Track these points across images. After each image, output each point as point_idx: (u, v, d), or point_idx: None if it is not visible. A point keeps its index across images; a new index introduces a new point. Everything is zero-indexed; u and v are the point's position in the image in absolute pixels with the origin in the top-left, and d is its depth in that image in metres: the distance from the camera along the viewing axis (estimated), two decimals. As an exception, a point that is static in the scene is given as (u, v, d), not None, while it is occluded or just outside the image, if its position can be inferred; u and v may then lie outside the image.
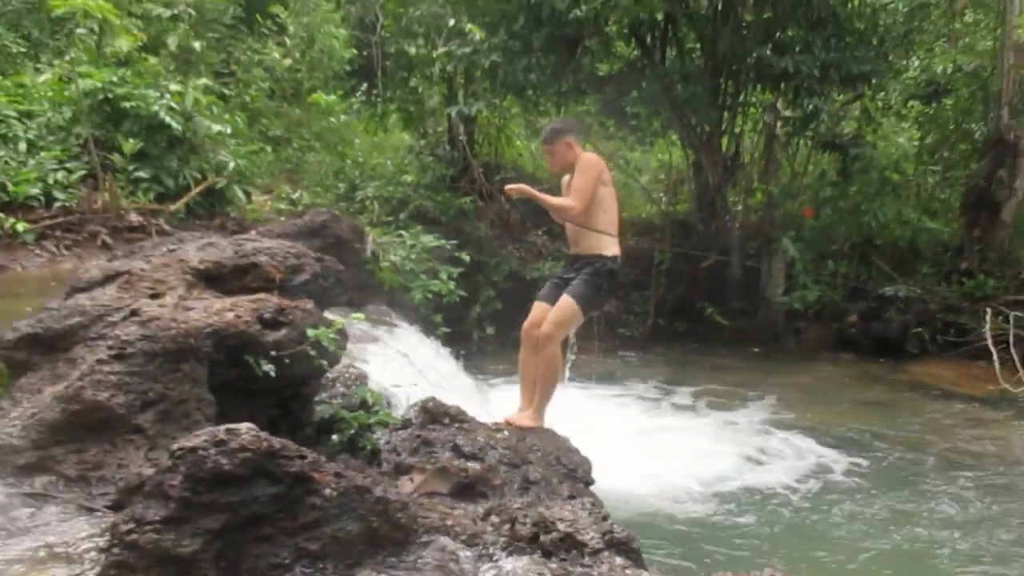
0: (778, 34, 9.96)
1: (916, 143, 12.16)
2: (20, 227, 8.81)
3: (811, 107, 10.57)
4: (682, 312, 11.04)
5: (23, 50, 13.84)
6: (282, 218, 9.60)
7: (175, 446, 2.74)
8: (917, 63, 11.50)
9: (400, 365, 5.91)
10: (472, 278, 9.22)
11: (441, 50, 11.00)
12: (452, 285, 7.65)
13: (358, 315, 4.73)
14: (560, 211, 5.51)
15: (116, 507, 3.09)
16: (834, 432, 7.37)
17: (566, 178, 5.62)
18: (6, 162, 9.58)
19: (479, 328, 9.86)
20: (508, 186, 5.38)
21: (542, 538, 3.20)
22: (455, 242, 8.75)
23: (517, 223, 11.83)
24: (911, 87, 11.46)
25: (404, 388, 5.38)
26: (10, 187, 9.27)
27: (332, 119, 14.37)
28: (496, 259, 10.47)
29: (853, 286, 10.99)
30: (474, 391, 6.95)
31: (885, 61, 10.60)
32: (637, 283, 11.41)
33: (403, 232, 8.49)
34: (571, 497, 4.04)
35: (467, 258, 8.63)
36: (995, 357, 9.32)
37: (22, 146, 10.01)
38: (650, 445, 6.59)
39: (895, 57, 11.00)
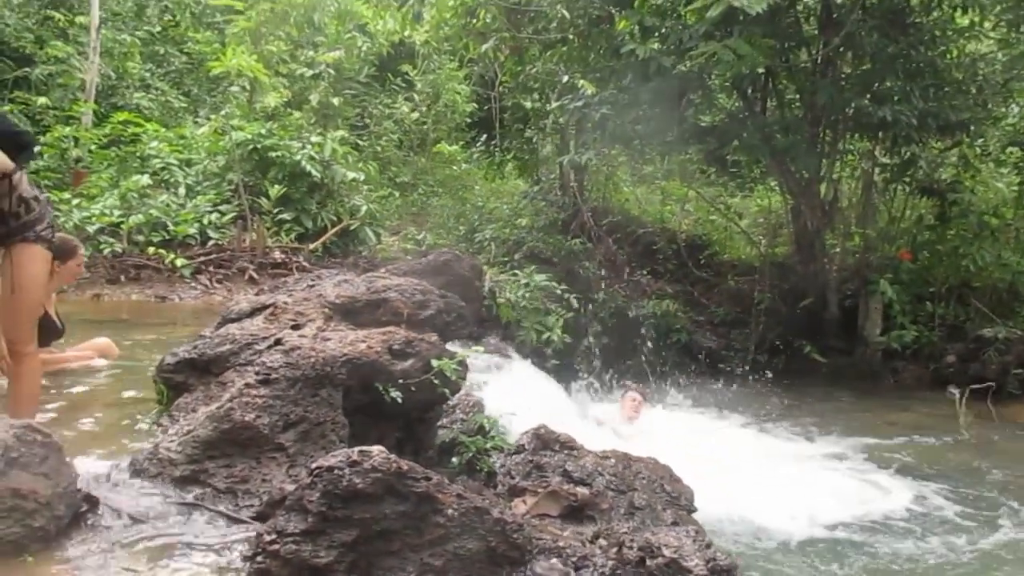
0: (876, 85, 9.68)
1: (1016, 188, 11.59)
2: (179, 262, 9.25)
3: (909, 154, 10.21)
4: (780, 350, 10.74)
5: (184, 105, 14.62)
6: (408, 257, 9.78)
7: (314, 465, 2.81)
8: (1016, 110, 10.99)
9: (514, 394, 5.91)
10: (580, 315, 9.18)
11: (555, 104, 11.09)
12: (559, 332, 7.66)
13: (477, 347, 4.78)
14: None
15: (260, 518, 3.17)
16: (933, 471, 7.02)
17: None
18: (168, 204, 10.09)
19: (587, 362, 9.79)
20: None
21: (648, 563, 3.15)
22: (564, 286, 8.74)
23: (623, 263, 11.76)
24: (1010, 133, 10.94)
25: (518, 415, 5.38)
26: (171, 227, 9.75)
27: (454, 167, 14.67)
28: (603, 296, 10.41)
29: (950, 327, 10.50)
30: (582, 420, 6.89)
31: (984, 109, 10.17)
32: (737, 321, 11.17)
33: (518, 271, 8.54)
34: (675, 524, 3.96)
35: (575, 303, 8.61)
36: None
37: (182, 191, 10.54)
38: (748, 477, 6.39)
39: (994, 105, 10.54)
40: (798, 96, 10.77)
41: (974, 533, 5.72)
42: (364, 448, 2.80)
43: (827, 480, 6.62)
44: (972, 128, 9.97)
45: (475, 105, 15.70)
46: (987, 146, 11.27)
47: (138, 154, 10.97)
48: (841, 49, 9.75)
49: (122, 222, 9.47)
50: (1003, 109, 10.80)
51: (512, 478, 4.17)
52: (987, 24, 10.37)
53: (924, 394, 9.90)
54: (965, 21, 10.01)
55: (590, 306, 10.06)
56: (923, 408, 9.30)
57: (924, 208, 11.36)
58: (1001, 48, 10.67)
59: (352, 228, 10.81)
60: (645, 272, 11.72)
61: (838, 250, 11.42)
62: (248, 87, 12.48)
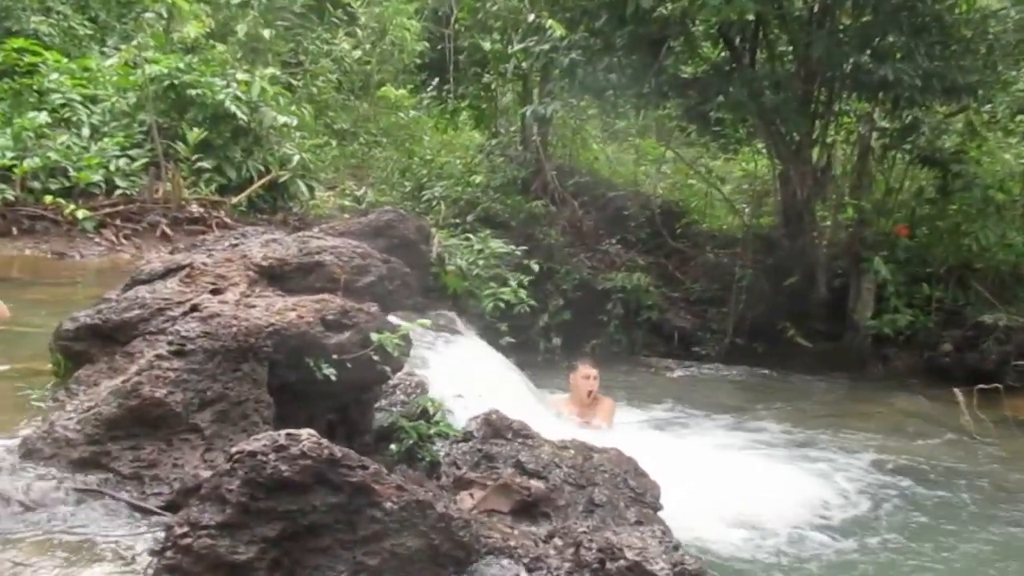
0: (877, 40, 9.79)
1: (1024, 161, 11.86)
2: (80, 214, 9.07)
3: (910, 118, 10.36)
4: (761, 332, 10.89)
5: (90, 32, 14.27)
6: (345, 215, 9.73)
7: (234, 449, 2.80)
8: (1029, 74, 11.22)
9: (463, 374, 5.92)
10: (540, 286, 9.20)
11: (517, 46, 11.04)
12: (523, 294, 7.62)
13: (423, 320, 4.76)
14: None
15: (170, 508, 3.15)
16: (923, 471, 7.16)
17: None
18: (69, 147, 9.87)
19: (546, 339, 9.86)
20: None
21: (608, 566, 3.19)
22: (524, 248, 8.74)
23: (590, 230, 11.81)
24: (1020, 100, 11.17)
25: (466, 399, 5.39)
26: (72, 173, 9.55)
27: (401, 114, 14.56)
28: (566, 267, 10.46)
29: (948, 312, 10.73)
30: (540, 405, 6.93)
31: (993, 71, 10.34)
32: (714, 299, 11.30)
33: (470, 235, 8.53)
34: (638, 523, 4.01)
35: (536, 267, 8.61)
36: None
37: (85, 131, 10.31)
38: (720, 473, 6.50)
39: (1004, 68, 10.72)
40: (791, 48, 10.85)
41: (954, 537, 5.87)
42: (292, 431, 2.79)
43: (806, 477, 6.75)
44: (980, 92, 10.13)
45: (426, 44, 15.58)
46: (995, 113, 11.48)
47: (35, 88, 10.70)
48: (840, -3, 9.85)
49: (15, 166, 9.25)
50: (1014, 73, 10.98)
51: (458, 469, 4.18)
52: (1000, -24, 10.54)
53: (916, 385, 10.11)
54: (976, -28, 10.17)
55: (551, 278, 10.10)
56: (914, 400, 9.50)
57: (924, 179, 11.56)
58: (1014, 4, 10.84)
59: (282, 180, 10.69)
60: (614, 241, 11.80)
61: (829, 223, 11.58)
62: (165, 14, 12.21)
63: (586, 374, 7.28)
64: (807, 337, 10.58)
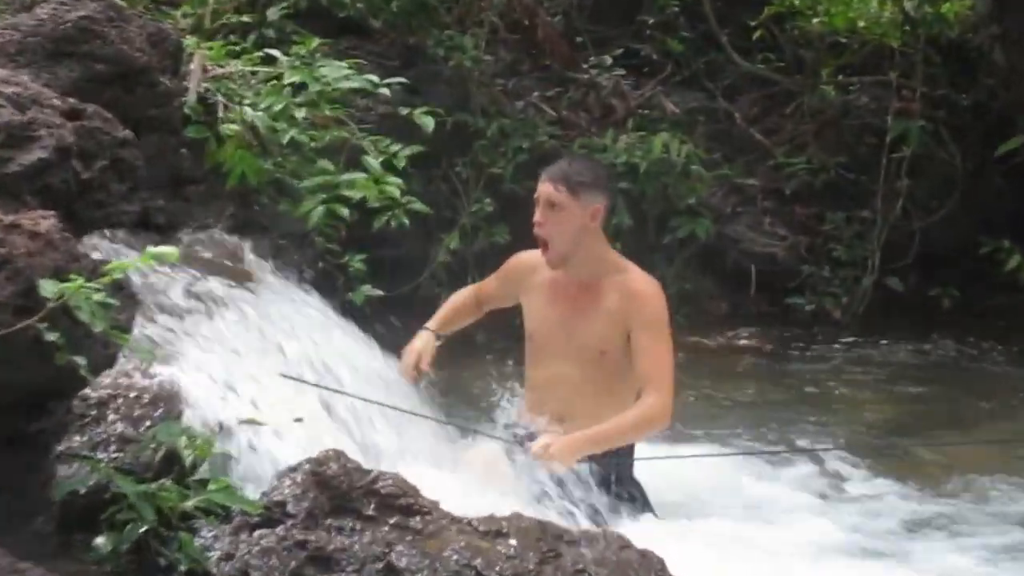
0: None
1: None
2: None
3: None
4: (945, 261, 11.02)
5: None
6: (-11, 10, 9.63)
7: None
8: None
9: (260, 371, 5.89)
10: (441, 168, 9.20)
11: None
12: (397, 188, 7.56)
13: (166, 249, 4.69)
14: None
15: None
16: None
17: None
18: None
19: (446, 287, 9.85)
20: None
21: None
22: (403, 80, 8.69)
23: (553, 35, 11.82)
24: None
25: (271, 427, 5.37)
26: None
27: None
28: (501, 122, 10.42)
29: None
30: (436, 434, 6.93)
31: None
32: (840, 190, 11.35)
33: (275, 52, 8.46)
34: None
35: (431, 121, 8.55)
36: None
37: None
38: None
39: None
40: None
41: None
42: None
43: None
44: None
45: None
46: None
47: None
48: None
49: None
50: None
51: (252, 591, 4.16)
52: None
53: None
54: None
55: (467, 147, 10.09)
56: None
57: None
58: None
59: None
60: (611, 61, 11.83)
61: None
62: None
63: (537, 193, 6.63)
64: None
